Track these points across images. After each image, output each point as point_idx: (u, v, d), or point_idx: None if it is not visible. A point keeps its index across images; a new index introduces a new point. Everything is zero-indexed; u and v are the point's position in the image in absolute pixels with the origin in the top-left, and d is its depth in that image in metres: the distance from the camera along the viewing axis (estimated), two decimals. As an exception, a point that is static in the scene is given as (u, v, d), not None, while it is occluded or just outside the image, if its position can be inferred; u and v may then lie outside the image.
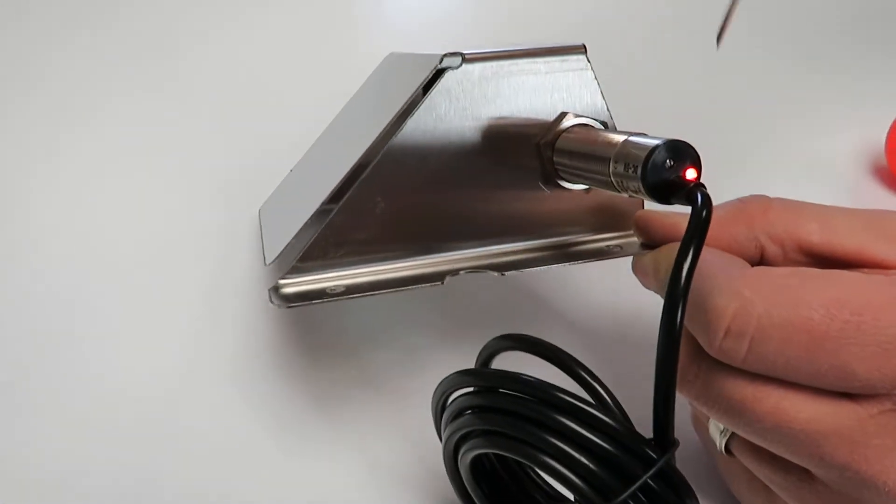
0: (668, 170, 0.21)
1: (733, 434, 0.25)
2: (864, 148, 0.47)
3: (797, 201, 0.25)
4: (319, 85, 0.52)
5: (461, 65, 0.26)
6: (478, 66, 0.26)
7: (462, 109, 0.26)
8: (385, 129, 0.26)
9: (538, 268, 0.27)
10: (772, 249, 0.25)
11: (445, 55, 0.26)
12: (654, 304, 0.26)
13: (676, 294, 0.19)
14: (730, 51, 0.40)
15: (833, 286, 0.21)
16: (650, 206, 0.27)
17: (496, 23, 0.60)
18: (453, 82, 0.26)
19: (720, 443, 0.25)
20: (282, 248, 0.27)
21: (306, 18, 0.62)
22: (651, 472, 0.18)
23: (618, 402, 0.20)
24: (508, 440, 0.20)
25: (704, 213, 0.20)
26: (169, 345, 0.33)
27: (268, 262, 0.27)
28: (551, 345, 0.21)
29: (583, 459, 0.19)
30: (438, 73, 0.26)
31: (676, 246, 0.25)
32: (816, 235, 0.24)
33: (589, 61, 0.27)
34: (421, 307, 0.36)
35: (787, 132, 0.50)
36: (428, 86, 0.26)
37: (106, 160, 0.45)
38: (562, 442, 0.19)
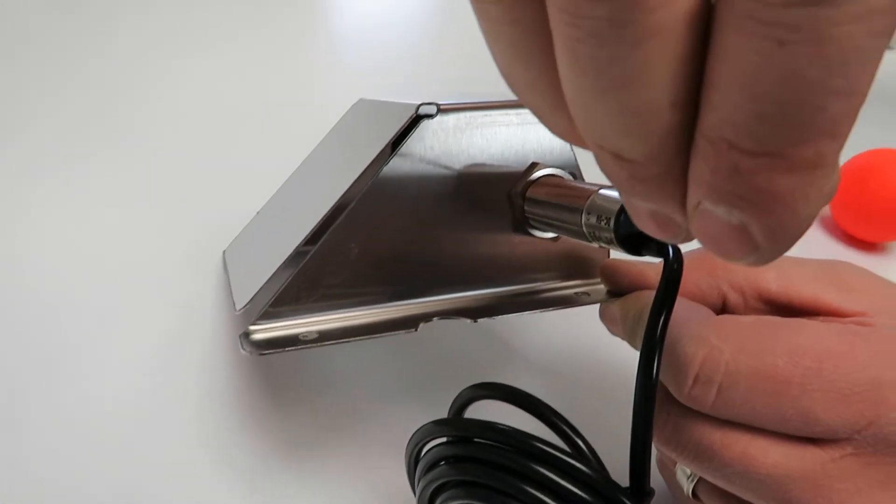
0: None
1: (700, 479, 0.25)
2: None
3: None
4: (285, 128, 0.52)
5: (437, 114, 0.26)
6: (452, 117, 0.27)
7: (436, 158, 0.27)
8: (359, 174, 0.27)
9: (510, 314, 0.27)
10: (733, 297, 0.26)
11: (421, 104, 0.26)
12: (622, 349, 0.27)
13: (652, 346, 0.20)
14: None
15: (796, 334, 0.21)
16: (616, 254, 0.28)
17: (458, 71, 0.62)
18: (429, 131, 0.26)
19: (687, 487, 0.26)
20: (253, 293, 0.27)
21: (270, 63, 0.63)
22: (630, 522, 0.19)
23: (593, 449, 0.20)
24: (485, 490, 0.20)
25: (676, 265, 0.21)
26: (128, 388, 0.32)
27: (238, 308, 0.27)
28: (526, 393, 0.22)
29: (562, 510, 0.19)
30: (414, 122, 0.26)
31: (643, 294, 0.26)
32: (774, 284, 0.25)
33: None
34: (391, 353, 0.36)
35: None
36: (403, 133, 0.26)
37: (68, 202, 0.44)
38: (539, 492, 0.19)
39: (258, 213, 0.37)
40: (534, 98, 0.15)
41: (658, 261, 0.27)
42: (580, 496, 0.19)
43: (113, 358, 0.33)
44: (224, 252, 0.36)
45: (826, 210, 0.48)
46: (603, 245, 0.24)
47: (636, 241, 0.22)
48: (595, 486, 0.19)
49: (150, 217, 0.42)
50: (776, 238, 0.13)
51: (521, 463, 0.20)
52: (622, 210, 0.22)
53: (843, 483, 0.21)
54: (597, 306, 0.28)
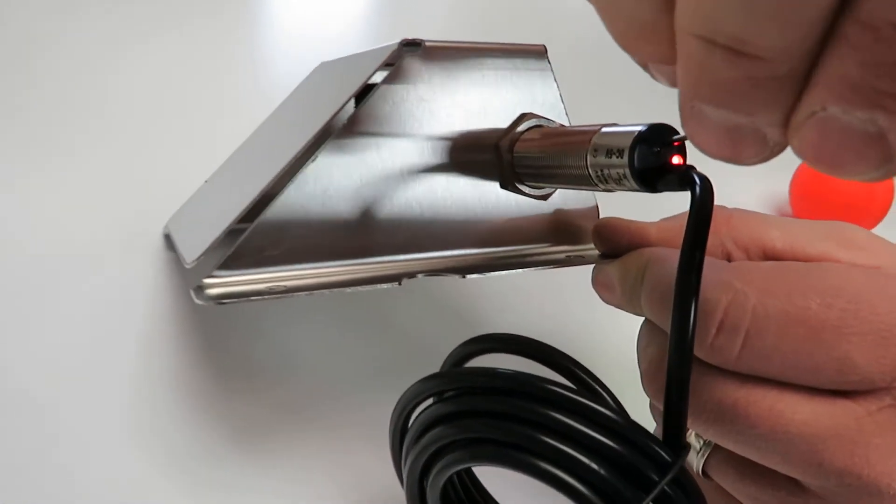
0: (656, 155, 0.20)
1: (713, 453, 0.23)
2: (769, 196, 0.50)
3: (754, 211, 0.25)
4: (225, 111, 0.48)
5: (420, 50, 0.24)
6: (438, 53, 0.24)
7: (419, 99, 0.24)
8: (334, 114, 0.24)
9: (500, 272, 0.24)
10: (737, 255, 0.24)
11: (404, 41, 0.24)
12: (614, 316, 0.25)
13: (687, 287, 0.17)
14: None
15: (827, 275, 0.20)
16: (608, 213, 0.26)
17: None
18: (412, 69, 0.24)
19: (697, 464, 0.23)
20: (207, 245, 0.23)
21: (219, 33, 0.59)
22: (669, 477, 0.16)
23: (619, 402, 0.18)
24: (493, 447, 0.17)
25: (707, 197, 0.18)
26: (58, 374, 0.28)
27: (189, 262, 0.23)
28: (533, 340, 0.19)
29: (591, 464, 0.16)
30: (396, 58, 0.24)
31: (644, 251, 0.24)
32: (779, 242, 0.24)
33: (549, 63, 0.26)
34: (359, 331, 0.32)
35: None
36: (383, 71, 0.24)
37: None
38: (561, 442, 0.16)
39: (206, 181, 0.33)
40: None
41: (658, 217, 0.25)
42: (612, 447, 0.16)
43: (45, 340, 0.29)
44: (167, 224, 0.32)
45: (786, 207, 0.48)
46: (611, 186, 0.21)
47: (653, 175, 0.20)
48: (627, 436, 0.16)
49: (83, 200, 0.38)
50: None
51: (536, 410, 0.17)
52: (638, 139, 0.20)
53: (881, 438, 0.19)
54: (588, 275, 0.26)
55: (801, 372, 0.19)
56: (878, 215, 0.45)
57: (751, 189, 0.50)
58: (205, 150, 0.40)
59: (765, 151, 0.13)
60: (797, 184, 0.46)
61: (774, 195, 0.50)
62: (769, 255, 0.24)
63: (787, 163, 0.46)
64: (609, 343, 0.27)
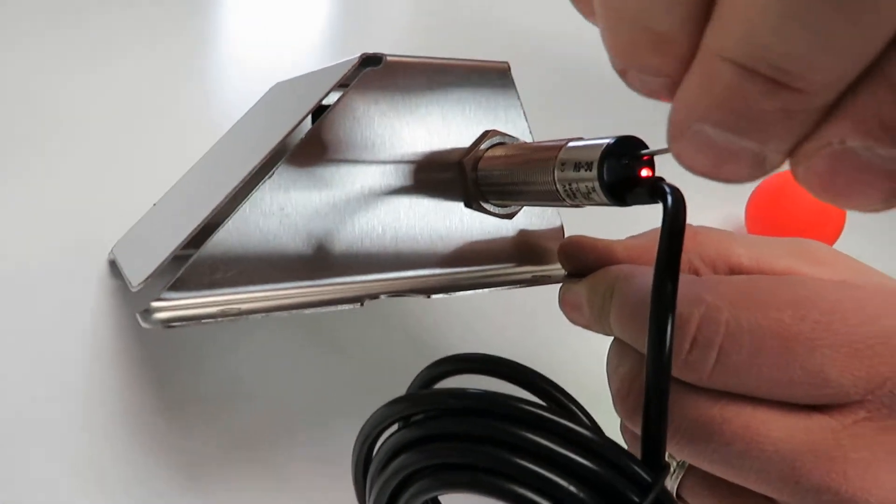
0: (625, 167, 0.20)
1: (687, 473, 0.22)
2: (725, 218, 0.50)
3: (719, 229, 0.25)
4: (172, 136, 0.47)
5: (382, 65, 0.23)
6: (400, 69, 0.24)
7: (380, 115, 0.24)
8: (290, 129, 0.23)
9: (466, 292, 0.24)
10: (705, 271, 0.24)
11: (364, 55, 0.23)
12: (581, 335, 0.24)
13: (664, 302, 0.17)
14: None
15: (798, 288, 0.19)
16: (573, 231, 0.26)
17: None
18: (373, 84, 0.23)
19: (671, 487, 0.23)
20: (155, 267, 0.22)
21: (170, 56, 0.58)
22: (651, 497, 0.15)
23: (594, 420, 0.17)
24: (468, 473, 0.16)
25: (679, 209, 0.18)
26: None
27: (135, 285, 0.22)
28: (503, 359, 0.18)
29: (570, 487, 0.15)
30: (357, 71, 0.23)
31: (611, 269, 0.24)
32: (746, 258, 0.24)
33: (513, 80, 0.26)
34: (314, 353, 0.31)
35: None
36: (344, 85, 0.23)
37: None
38: (541, 466, 0.15)
39: (154, 204, 0.31)
40: None
41: (625, 235, 0.25)
42: (588, 467, 0.15)
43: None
44: (112, 250, 0.31)
45: (742, 230, 0.48)
46: (579, 201, 0.21)
47: (623, 188, 0.20)
48: (605, 456, 0.16)
49: (26, 226, 0.36)
50: None
51: (510, 432, 0.16)
52: (607, 152, 0.19)
53: (858, 453, 0.18)
54: (553, 295, 0.25)
55: (775, 386, 0.19)
56: (831, 238, 0.46)
57: (707, 212, 0.51)
58: (152, 175, 0.38)
59: (759, 173, 0.13)
60: (753, 206, 0.47)
61: (730, 217, 0.50)
62: (736, 271, 0.24)
63: (744, 185, 0.47)
64: (577, 364, 0.27)
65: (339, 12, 0.93)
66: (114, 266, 0.32)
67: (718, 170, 0.13)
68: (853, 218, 0.48)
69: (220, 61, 0.65)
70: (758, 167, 0.13)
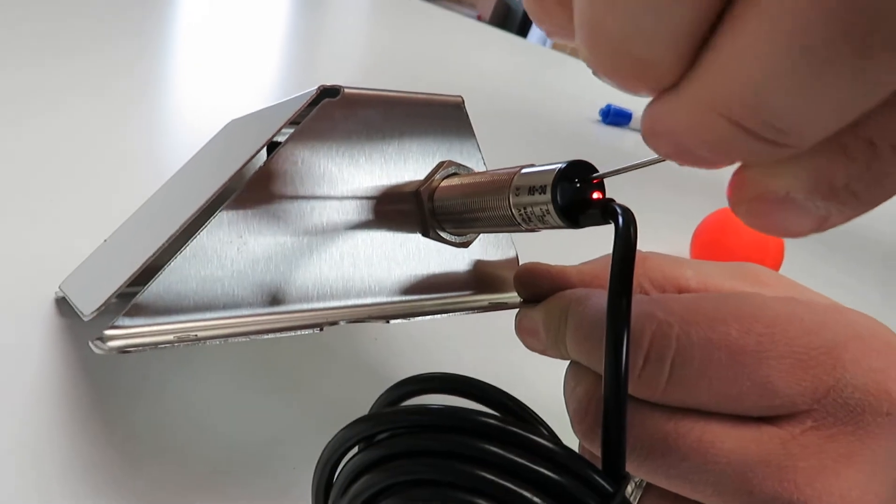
0: (577, 190, 0.20)
1: (644, 495, 0.23)
2: (670, 251, 0.52)
3: (667, 254, 0.26)
4: (116, 176, 0.46)
5: (339, 96, 0.24)
6: (357, 101, 0.24)
7: (339, 145, 0.24)
8: (248, 159, 0.23)
9: (424, 317, 0.24)
10: (654, 294, 0.25)
11: (322, 87, 0.24)
12: (537, 361, 0.24)
13: (620, 307, 0.17)
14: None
15: (742, 303, 0.20)
16: (527, 259, 0.26)
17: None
18: (331, 114, 0.24)
19: (631, 506, 0.23)
20: (108, 296, 0.21)
21: (121, 92, 0.57)
22: (612, 505, 0.15)
23: (554, 433, 0.17)
24: (433, 489, 0.16)
25: (631, 228, 0.19)
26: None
27: (88, 314, 0.21)
28: (463, 376, 0.18)
29: (534, 498, 0.15)
30: (315, 102, 0.23)
31: (565, 294, 0.24)
32: (693, 280, 0.24)
33: (466, 113, 0.27)
34: (269, 385, 0.30)
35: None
36: (302, 117, 0.23)
37: None
38: (505, 479, 0.15)
39: (105, 240, 0.31)
40: (658, 37, 0.11)
41: (581, 260, 0.26)
42: (551, 478, 0.16)
43: None
44: (60, 286, 0.30)
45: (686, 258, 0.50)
46: (534, 225, 0.22)
47: (576, 210, 0.20)
48: (567, 466, 0.16)
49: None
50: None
51: (474, 446, 0.16)
52: (560, 176, 0.20)
53: (806, 461, 0.19)
54: (508, 321, 0.26)
55: (726, 399, 0.19)
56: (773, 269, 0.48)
57: (653, 245, 0.52)
58: (99, 213, 0.38)
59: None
60: (698, 239, 0.49)
61: (676, 250, 0.52)
62: (683, 292, 0.24)
63: (688, 221, 0.49)
64: (534, 390, 0.27)
65: (293, 53, 0.94)
66: (61, 304, 0.31)
67: (680, 158, 0.14)
68: (791, 251, 0.50)
69: (172, 101, 0.65)
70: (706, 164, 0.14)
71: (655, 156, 0.19)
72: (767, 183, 0.13)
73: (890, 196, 0.12)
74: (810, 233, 0.14)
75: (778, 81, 0.11)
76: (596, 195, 0.20)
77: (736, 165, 0.14)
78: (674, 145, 0.13)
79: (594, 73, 0.13)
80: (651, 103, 0.13)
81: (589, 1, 0.12)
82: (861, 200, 0.13)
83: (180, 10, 1.00)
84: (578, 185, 0.20)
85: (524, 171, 0.22)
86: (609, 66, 0.12)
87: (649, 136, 0.13)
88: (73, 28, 0.73)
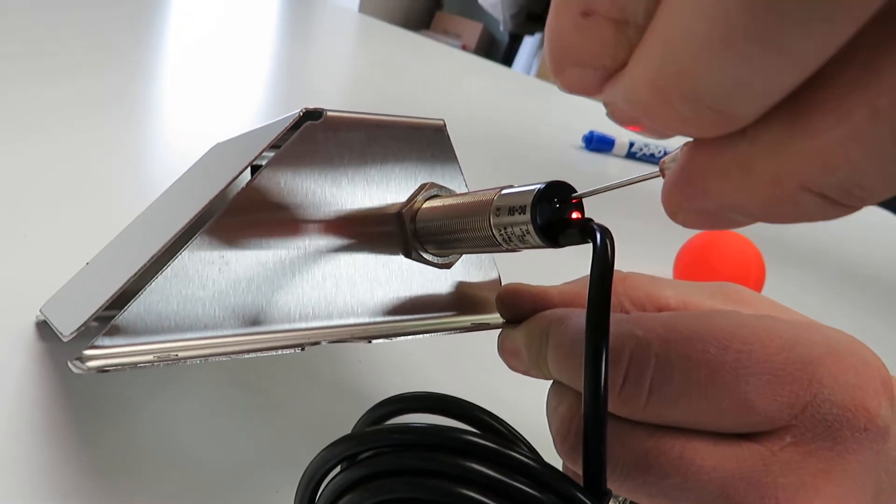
0: (556, 210, 0.21)
1: (628, 511, 0.23)
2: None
3: (647, 274, 0.26)
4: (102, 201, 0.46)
5: (322, 119, 0.24)
6: (340, 124, 0.24)
7: (320, 169, 0.24)
8: (229, 181, 0.23)
9: (406, 337, 0.24)
10: (634, 313, 0.25)
11: (305, 110, 0.24)
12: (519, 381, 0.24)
13: (599, 324, 0.17)
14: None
15: (719, 320, 0.21)
16: (509, 279, 0.26)
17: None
18: (314, 136, 0.24)
19: (614, 528, 0.23)
20: (88, 316, 0.21)
21: (109, 118, 0.57)
22: (592, 521, 0.15)
23: (535, 450, 0.17)
24: (412, 507, 0.16)
25: (608, 247, 0.19)
26: None
27: (67, 334, 0.21)
28: (444, 395, 0.18)
29: (513, 513, 0.15)
30: (297, 125, 0.24)
31: (546, 314, 0.24)
32: (673, 300, 0.25)
33: (448, 136, 0.27)
34: (249, 409, 0.30)
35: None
36: (284, 140, 0.24)
37: None
38: (488, 497, 0.15)
39: (87, 263, 0.31)
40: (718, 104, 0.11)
41: (562, 280, 0.26)
42: (533, 495, 0.16)
43: None
44: (41, 309, 0.30)
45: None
46: (514, 245, 0.22)
47: (555, 229, 0.21)
48: (548, 483, 0.16)
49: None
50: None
51: (457, 464, 0.16)
52: (539, 196, 0.20)
53: (786, 477, 0.19)
54: (489, 341, 0.26)
55: (705, 416, 0.20)
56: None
57: (634, 269, 0.53)
58: (80, 237, 0.37)
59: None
60: (680, 264, 0.49)
61: (657, 274, 0.52)
62: (663, 311, 0.25)
63: (669, 246, 0.49)
64: (516, 410, 0.27)
65: (279, 81, 0.95)
66: (42, 327, 0.31)
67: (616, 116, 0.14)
68: (772, 275, 0.51)
69: (156, 126, 0.65)
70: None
71: (633, 177, 0.20)
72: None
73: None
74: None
75: (700, 51, 0.11)
76: (575, 215, 0.21)
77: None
78: (630, 119, 0.13)
79: (558, 78, 0.13)
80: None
81: (683, 49, 0.11)
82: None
83: (168, 37, 1.01)
84: (558, 205, 0.21)
85: (504, 191, 0.22)
86: (674, 118, 0.12)
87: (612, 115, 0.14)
88: (59, 54, 0.73)
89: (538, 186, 0.21)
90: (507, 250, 0.23)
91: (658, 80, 0.11)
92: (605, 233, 0.19)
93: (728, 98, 0.11)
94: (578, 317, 0.23)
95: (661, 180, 0.15)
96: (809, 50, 0.10)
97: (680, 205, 0.14)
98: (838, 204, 0.12)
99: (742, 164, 0.12)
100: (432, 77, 1.18)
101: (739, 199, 0.13)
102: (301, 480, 0.19)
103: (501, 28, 2.74)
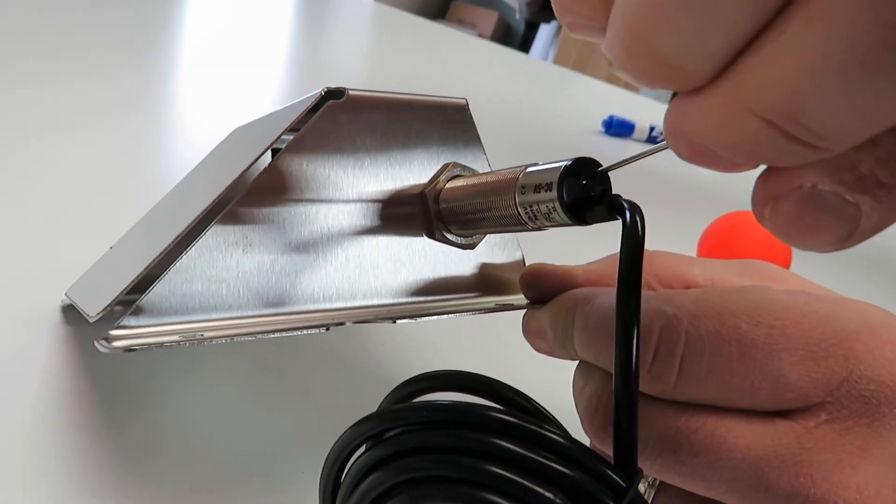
0: (583, 187, 0.20)
1: (656, 495, 0.22)
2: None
3: (674, 252, 0.26)
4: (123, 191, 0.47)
5: (344, 98, 0.24)
6: (362, 103, 0.24)
7: (342, 149, 0.24)
8: (252, 162, 0.23)
9: (431, 318, 0.24)
10: (662, 291, 0.24)
11: (327, 89, 0.24)
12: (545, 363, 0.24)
13: (630, 301, 0.17)
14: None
15: (750, 296, 0.20)
16: (532, 259, 0.26)
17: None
18: (335, 118, 0.24)
19: (643, 507, 0.22)
20: (113, 298, 0.21)
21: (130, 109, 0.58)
22: (626, 501, 0.15)
23: (562, 425, 0.17)
24: (444, 486, 0.16)
25: (638, 223, 0.19)
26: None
27: (93, 315, 0.21)
28: (472, 373, 0.18)
29: (546, 493, 0.15)
30: (319, 104, 0.23)
31: (572, 294, 0.24)
32: (700, 277, 0.24)
33: (471, 115, 0.27)
34: (271, 394, 0.30)
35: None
36: (305, 120, 0.23)
37: None
38: (517, 475, 0.15)
39: (111, 247, 0.31)
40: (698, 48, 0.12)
41: (587, 259, 0.26)
42: (564, 473, 0.15)
43: None
44: (66, 293, 0.30)
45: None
46: (540, 223, 0.22)
47: (583, 206, 0.20)
48: (579, 460, 0.16)
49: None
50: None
51: (486, 441, 0.16)
52: (565, 173, 0.20)
53: (821, 455, 0.19)
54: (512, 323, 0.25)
55: (737, 394, 0.19)
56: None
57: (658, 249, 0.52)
58: (105, 222, 0.38)
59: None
60: (704, 247, 0.48)
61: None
62: (691, 288, 0.24)
63: (694, 227, 0.48)
64: (542, 391, 0.27)
65: (296, 69, 0.95)
66: (67, 311, 0.31)
67: (701, 158, 0.14)
68: (798, 259, 0.50)
69: (176, 111, 0.65)
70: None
71: (658, 146, 0.19)
72: (791, 176, 0.13)
73: None
74: (841, 240, 0.13)
75: (818, 85, 0.11)
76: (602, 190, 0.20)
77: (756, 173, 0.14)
78: (697, 145, 0.13)
79: (613, 65, 0.13)
80: (677, 101, 0.13)
81: (635, 12, 0.12)
82: (891, 194, 0.12)
83: (185, 29, 1.01)
84: (584, 181, 0.20)
85: (529, 169, 0.22)
86: (642, 72, 0.12)
87: (673, 135, 0.13)
88: (78, 47, 0.74)
89: (564, 163, 0.20)
90: (533, 229, 0.22)
91: (624, 39, 0.12)
92: (635, 208, 0.19)
93: (681, 56, 0.12)
94: (605, 296, 0.22)
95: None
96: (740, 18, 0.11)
97: (669, 131, 0.14)
98: (790, 137, 0.11)
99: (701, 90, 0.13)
100: (450, 65, 1.17)
101: (699, 122, 0.13)
102: (326, 460, 0.19)
103: (517, 16, 2.72)
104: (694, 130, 0.13)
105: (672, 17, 0.11)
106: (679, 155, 0.13)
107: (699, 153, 0.13)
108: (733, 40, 0.11)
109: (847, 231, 0.13)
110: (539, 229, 0.22)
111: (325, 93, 0.24)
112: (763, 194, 0.14)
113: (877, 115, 0.11)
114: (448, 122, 0.26)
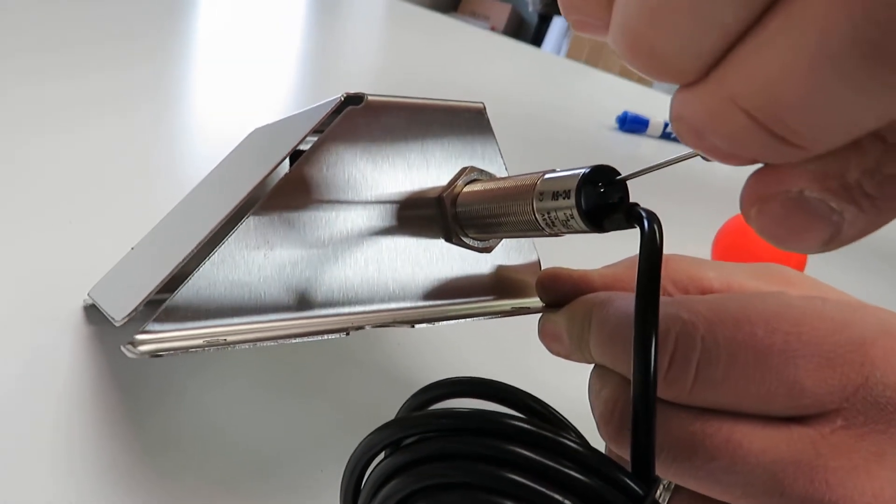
0: (601, 194, 0.20)
1: (672, 498, 0.22)
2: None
3: (689, 255, 0.26)
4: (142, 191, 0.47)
5: (363, 104, 0.24)
6: (380, 108, 0.24)
7: (362, 152, 0.24)
8: (273, 166, 0.23)
9: (449, 322, 0.24)
10: (677, 295, 0.25)
11: (346, 94, 0.24)
12: (560, 365, 0.24)
13: (648, 309, 0.17)
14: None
15: (766, 302, 0.20)
16: (548, 264, 0.26)
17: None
18: (355, 121, 0.24)
19: (658, 512, 0.23)
20: (138, 302, 0.22)
21: (147, 107, 0.58)
22: (643, 507, 0.15)
23: (579, 432, 0.17)
24: (463, 493, 0.16)
25: (657, 231, 0.19)
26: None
27: (119, 319, 0.22)
28: (490, 380, 0.18)
29: (565, 501, 0.15)
30: (338, 110, 0.24)
31: (588, 298, 0.24)
32: (716, 281, 0.24)
33: (488, 119, 0.27)
34: (291, 393, 0.30)
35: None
36: (325, 125, 0.24)
37: None
38: (536, 482, 0.15)
39: (133, 248, 0.31)
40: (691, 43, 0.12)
41: (603, 264, 0.26)
42: (582, 480, 0.15)
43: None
44: (88, 294, 0.30)
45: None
46: (557, 230, 0.22)
47: (600, 214, 0.20)
48: (596, 468, 0.16)
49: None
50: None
51: (505, 449, 0.16)
52: (584, 180, 0.20)
53: (837, 461, 0.19)
54: (527, 327, 0.26)
55: (753, 400, 0.19)
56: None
57: (672, 250, 0.52)
58: (126, 223, 0.38)
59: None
60: (718, 248, 0.48)
61: (696, 255, 0.52)
62: (707, 293, 0.24)
63: (708, 227, 0.48)
64: (558, 394, 0.27)
65: (310, 66, 0.95)
66: (90, 311, 0.32)
67: (700, 145, 0.14)
68: (813, 260, 0.50)
69: (195, 113, 0.66)
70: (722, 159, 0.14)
71: (677, 155, 0.20)
72: (780, 179, 0.13)
73: None
74: (823, 244, 0.14)
75: (794, 84, 0.11)
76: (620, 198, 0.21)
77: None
78: (694, 131, 0.13)
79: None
80: (678, 91, 0.14)
81: (634, 14, 0.12)
82: (875, 204, 0.13)
83: (198, 25, 1.01)
84: (602, 189, 0.20)
85: (547, 175, 0.22)
86: (644, 68, 0.13)
87: (674, 121, 0.14)
88: (93, 45, 0.74)
89: (583, 170, 0.20)
90: (550, 235, 0.23)
91: (625, 39, 0.13)
92: (653, 218, 0.19)
93: (676, 55, 0.12)
94: (622, 300, 0.22)
95: (700, 160, 0.16)
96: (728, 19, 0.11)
97: (673, 115, 0.14)
98: (771, 132, 0.12)
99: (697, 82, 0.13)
100: (463, 59, 1.17)
101: (695, 111, 0.13)
102: (346, 467, 0.19)
103: (530, 9, 2.71)
104: (691, 117, 0.13)
105: (665, 19, 0.12)
106: (682, 140, 0.14)
107: (699, 139, 0.14)
108: (722, 39, 0.12)
109: (829, 236, 0.13)
110: (555, 235, 0.22)
111: (345, 98, 0.24)
112: (751, 195, 0.14)
113: (852, 119, 0.11)
114: (465, 125, 0.26)
